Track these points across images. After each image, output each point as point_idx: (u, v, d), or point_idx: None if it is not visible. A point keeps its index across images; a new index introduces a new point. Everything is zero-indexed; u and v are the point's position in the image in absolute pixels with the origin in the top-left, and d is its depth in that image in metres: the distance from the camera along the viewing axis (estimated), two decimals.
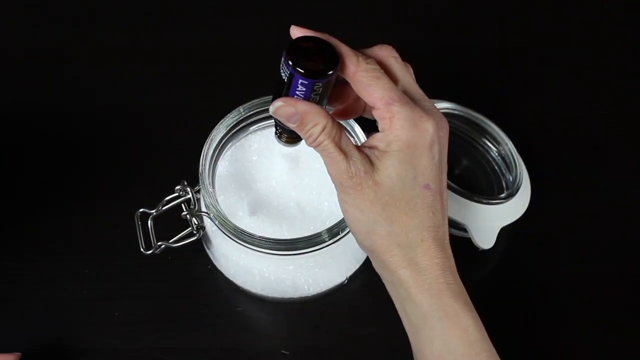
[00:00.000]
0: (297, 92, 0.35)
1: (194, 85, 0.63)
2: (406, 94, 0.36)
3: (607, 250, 0.54)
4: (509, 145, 0.53)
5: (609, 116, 0.62)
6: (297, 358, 0.49)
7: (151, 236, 0.44)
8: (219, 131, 0.46)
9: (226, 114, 0.46)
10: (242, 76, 0.63)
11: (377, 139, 0.36)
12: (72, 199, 0.56)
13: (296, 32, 0.36)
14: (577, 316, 0.51)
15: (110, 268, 0.52)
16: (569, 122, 0.61)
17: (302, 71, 0.34)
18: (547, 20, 0.68)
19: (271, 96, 0.46)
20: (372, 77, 0.35)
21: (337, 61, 0.35)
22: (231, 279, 0.49)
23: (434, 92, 0.58)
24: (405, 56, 0.68)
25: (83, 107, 0.61)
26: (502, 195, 0.51)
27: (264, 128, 0.49)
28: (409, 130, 0.34)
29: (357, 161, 0.35)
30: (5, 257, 0.53)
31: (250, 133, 0.49)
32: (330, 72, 0.35)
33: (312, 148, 0.36)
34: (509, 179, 0.53)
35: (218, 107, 0.47)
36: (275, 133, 0.40)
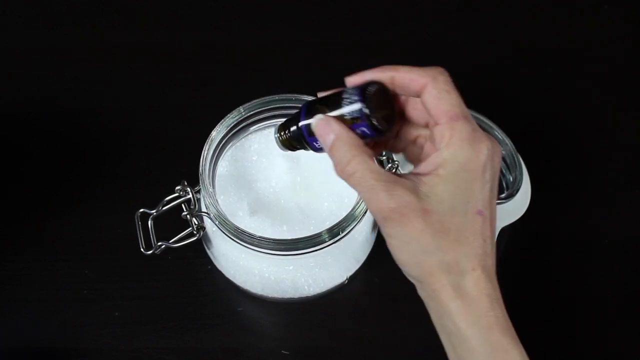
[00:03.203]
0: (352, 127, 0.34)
1: (194, 85, 0.63)
2: None
3: (608, 251, 0.54)
4: (509, 146, 0.53)
5: (609, 116, 0.62)
6: (297, 358, 0.49)
7: (151, 236, 0.44)
8: (219, 131, 0.46)
9: (226, 114, 0.46)
10: (242, 76, 0.63)
11: (427, 164, 0.34)
12: (72, 199, 0.56)
13: (354, 79, 0.36)
14: (577, 316, 0.51)
15: (110, 268, 0.52)
16: (569, 122, 0.61)
17: (375, 124, 0.33)
18: (547, 20, 0.68)
19: (274, 96, 0.47)
20: (443, 90, 0.34)
21: (395, 119, 0.36)
22: (231, 279, 0.49)
23: None
24: (404, 56, 0.68)
25: (83, 107, 0.61)
26: (502, 195, 0.51)
27: (264, 128, 0.49)
28: (467, 150, 0.33)
29: (400, 191, 0.32)
30: (5, 257, 0.53)
31: (251, 133, 0.49)
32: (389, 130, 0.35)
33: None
34: (509, 179, 0.53)
35: (218, 107, 0.47)
36: (281, 132, 0.39)
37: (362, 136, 0.34)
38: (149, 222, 0.45)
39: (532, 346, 0.49)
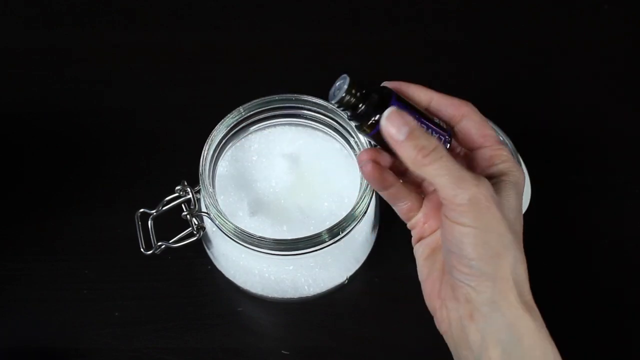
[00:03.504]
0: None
1: (194, 85, 0.63)
2: None
3: (608, 251, 0.54)
4: (509, 146, 0.53)
5: (609, 116, 0.62)
6: (297, 358, 0.49)
7: (151, 236, 0.44)
8: (219, 131, 0.46)
9: (226, 114, 0.46)
10: (242, 76, 0.63)
11: (488, 174, 0.36)
12: (72, 199, 0.56)
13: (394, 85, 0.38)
14: (578, 316, 0.51)
15: (110, 268, 0.52)
16: (569, 122, 0.61)
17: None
18: (547, 20, 0.68)
19: (274, 96, 0.47)
20: (482, 119, 0.37)
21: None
22: (231, 279, 0.49)
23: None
24: (404, 56, 0.68)
25: (83, 107, 0.61)
26: None
27: (264, 128, 0.49)
28: (518, 169, 0.36)
29: (484, 180, 0.33)
30: (5, 257, 0.53)
31: (251, 133, 0.49)
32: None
33: (417, 171, 0.33)
34: None
35: (218, 107, 0.47)
36: (361, 121, 0.36)
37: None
38: (149, 222, 0.45)
39: None
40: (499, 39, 0.67)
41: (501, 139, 0.54)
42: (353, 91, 0.35)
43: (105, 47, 0.65)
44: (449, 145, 0.37)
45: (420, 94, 0.37)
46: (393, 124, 0.33)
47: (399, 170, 0.38)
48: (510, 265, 0.33)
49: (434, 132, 0.36)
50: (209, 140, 0.45)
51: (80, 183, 0.56)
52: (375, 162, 0.37)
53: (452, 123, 0.37)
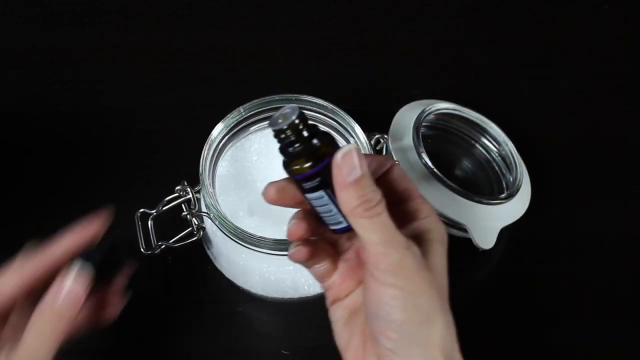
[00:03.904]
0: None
1: (194, 85, 0.63)
2: None
3: (608, 251, 0.54)
4: (509, 145, 0.53)
5: (608, 116, 0.62)
6: (297, 358, 0.49)
7: (151, 236, 0.44)
8: (219, 131, 0.46)
9: (226, 114, 0.46)
10: (242, 76, 0.63)
11: (414, 227, 0.34)
12: (72, 199, 0.56)
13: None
14: (578, 316, 0.51)
15: None
16: (568, 122, 0.61)
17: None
18: (547, 20, 0.68)
19: (274, 96, 0.47)
20: (403, 173, 0.35)
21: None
22: (231, 279, 0.49)
23: (434, 92, 0.58)
24: (405, 57, 0.68)
25: (83, 107, 0.61)
26: (502, 196, 0.51)
27: (264, 128, 0.49)
28: (440, 224, 0.34)
29: (414, 245, 0.31)
30: (5, 257, 0.53)
31: (251, 133, 0.49)
32: None
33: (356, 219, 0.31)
34: (509, 179, 0.53)
35: (218, 107, 0.47)
36: (286, 151, 0.32)
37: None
38: (149, 222, 0.45)
39: (531, 345, 0.50)
40: (499, 39, 0.67)
41: (502, 139, 0.54)
42: (304, 121, 0.31)
43: (105, 47, 0.65)
44: (345, 232, 0.34)
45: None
46: (348, 163, 0.31)
47: (317, 229, 0.35)
48: (441, 331, 0.31)
49: (338, 216, 0.33)
50: (209, 141, 0.45)
51: (80, 183, 0.56)
52: (306, 243, 0.35)
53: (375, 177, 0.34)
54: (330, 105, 0.47)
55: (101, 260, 0.36)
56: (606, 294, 0.52)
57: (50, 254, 0.37)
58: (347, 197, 0.31)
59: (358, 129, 0.46)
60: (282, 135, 0.31)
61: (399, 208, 0.34)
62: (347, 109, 0.47)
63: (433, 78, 0.64)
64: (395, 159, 0.46)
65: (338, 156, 0.31)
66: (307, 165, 0.31)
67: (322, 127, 0.46)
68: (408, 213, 0.34)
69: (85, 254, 0.36)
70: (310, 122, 0.32)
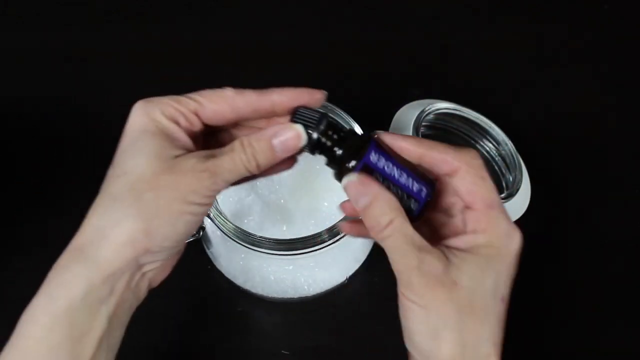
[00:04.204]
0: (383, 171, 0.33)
1: (194, 85, 0.62)
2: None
3: (608, 251, 0.54)
4: (509, 145, 0.53)
5: (608, 116, 0.62)
6: (297, 358, 0.49)
7: None
8: None
9: None
10: (242, 76, 0.63)
11: (460, 240, 0.33)
12: (73, 199, 0.55)
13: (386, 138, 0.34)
14: (578, 316, 0.51)
15: None
16: (568, 122, 0.61)
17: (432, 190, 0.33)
18: (547, 20, 0.68)
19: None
20: (478, 176, 0.33)
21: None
22: (231, 279, 0.49)
23: (435, 92, 0.58)
24: (405, 56, 0.68)
25: (83, 107, 0.61)
26: (502, 195, 0.51)
27: None
28: (504, 239, 0.33)
29: (433, 257, 0.32)
30: (5, 257, 0.53)
31: None
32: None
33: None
34: (509, 179, 0.53)
35: None
36: (333, 164, 0.34)
37: (402, 197, 0.33)
38: None
39: (531, 345, 0.50)
40: (499, 39, 0.67)
41: (502, 139, 0.54)
42: (329, 133, 0.33)
43: (105, 47, 0.65)
44: (429, 198, 0.34)
45: (410, 149, 0.34)
46: (351, 194, 0.32)
47: None
48: (450, 349, 0.31)
49: (413, 183, 0.33)
50: None
51: (80, 183, 0.56)
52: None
53: (444, 178, 0.35)
54: (330, 105, 0.47)
55: (321, 132, 0.33)
56: (606, 294, 0.52)
57: (267, 97, 0.34)
58: (365, 220, 0.33)
59: (358, 128, 0.46)
60: (317, 144, 0.33)
61: (465, 215, 0.34)
62: (347, 108, 0.47)
63: (433, 78, 0.64)
64: None
65: (343, 186, 0.32)
66: (352, 164, 0.33)
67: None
68: (467, 223, 0.33)
69: (310, 120, 0.33)
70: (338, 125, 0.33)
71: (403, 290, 0.32)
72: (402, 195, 0.33)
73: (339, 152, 0.33)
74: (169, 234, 0.31)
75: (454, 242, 0.33)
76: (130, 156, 0.32)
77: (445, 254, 0.32)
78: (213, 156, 0.32)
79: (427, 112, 0.52)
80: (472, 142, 0.56)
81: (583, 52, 0.66)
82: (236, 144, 0.32)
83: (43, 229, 0.54)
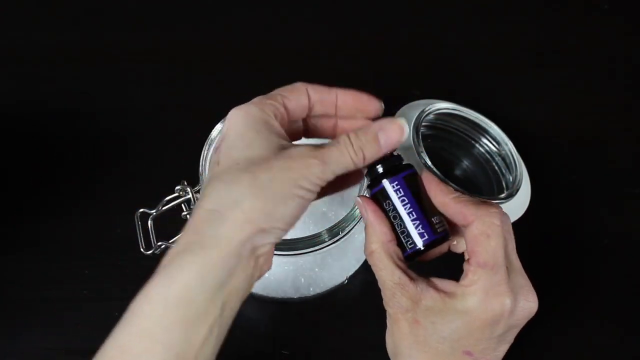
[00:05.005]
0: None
1: (194, 85, 0.63)
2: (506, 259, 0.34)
3: (608, 251, 0.54)
4: (509, 145, 0.53)
5: (608, 116, 0.62)
6: (297, 358, 0.49)
7: (151, 236, 0.44)
8: (219, 131, 0.46)
9: (226, 114, 0.46)
10: (242, 76, 0.63)
11: (446, 284, 0.35)
12: (72, 199, 0.56)
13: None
14: (578, 316, 0.51)
15: (110, 268, 0.52)
16: (568, 122, 0.61)
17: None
18: (547, 21, 0.68)
19: None
20: (483, 233, 0.34)
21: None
22: None
23: (434, 92, 0.58)
24: (405, 58, 0.68)
25: (82, 108, 0.61)
26: (502, 195, 0.51)
27: None
28: (479, 300, 0.33)
29: (399, 297, 0.34)
30: (5, 257, 0.53)
31: None
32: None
33: None
34: (509, 179, 0.53)
35: (218, 107, 0.47)
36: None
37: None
38: (149, 222, 0.45)
39: (531, 346, 0.49)
40: (499, 39, 0.67)
41: (502, 139, 0.54)
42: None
43: (105, 47, 0.65)
44: (425, 244, 0.35)
45: (437, 195, 0.36)
46: (360, 208, 0.36)
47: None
48: None
49: (419, 226, 0.35)
50: (208, 140, 0.45)
51: (80, 183, 0.56)
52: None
53: (462, 228, 0.36)
54: None
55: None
56: (606, 294, 0.52)
57: (333, 91, 0.38)
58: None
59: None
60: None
61: (465, 266, 0.35)
62: None
63: (433, 78, 0.64)
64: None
65: (355, 198, 0.37)
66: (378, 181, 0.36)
67: None
68: (464, 275, 0.35)
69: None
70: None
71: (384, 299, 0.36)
72: (403, 231, 0.35)
73: (378, 168, 0.35)
74: (283, 214, 0.32)
75: (441, 285, 0.35)
76: (240, 150, 0.33)
77: (424, 291, 0.34)
78: (322, 147, 0.33)
79: (427, 112, 0.52)
80: (472, 142, 0.56)
81: (583, 52, 0.66)
82: (343, 137, 0.34)
83: (43, 229, 0.54)
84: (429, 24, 0.68)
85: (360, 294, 0.52)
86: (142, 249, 0.45)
